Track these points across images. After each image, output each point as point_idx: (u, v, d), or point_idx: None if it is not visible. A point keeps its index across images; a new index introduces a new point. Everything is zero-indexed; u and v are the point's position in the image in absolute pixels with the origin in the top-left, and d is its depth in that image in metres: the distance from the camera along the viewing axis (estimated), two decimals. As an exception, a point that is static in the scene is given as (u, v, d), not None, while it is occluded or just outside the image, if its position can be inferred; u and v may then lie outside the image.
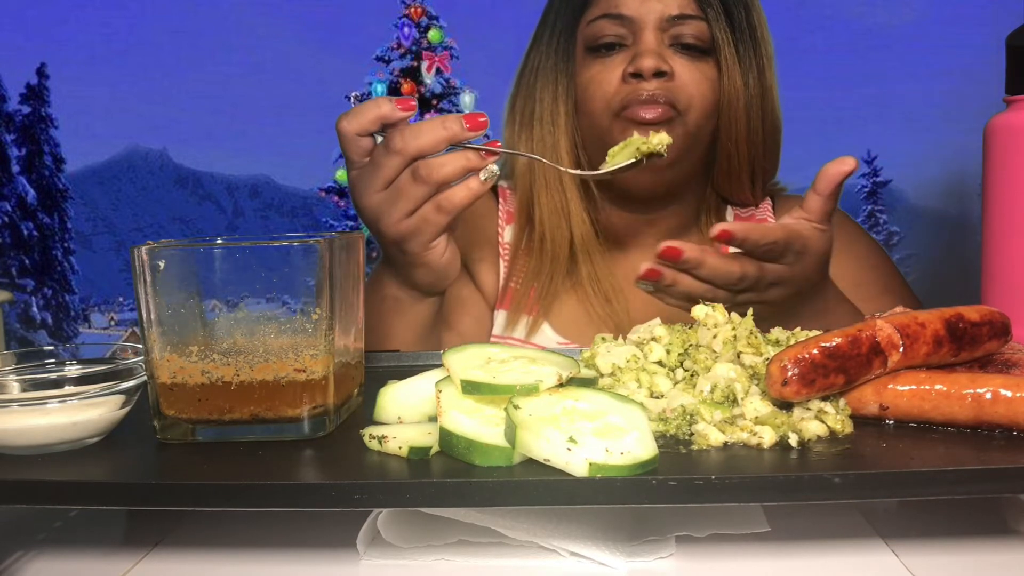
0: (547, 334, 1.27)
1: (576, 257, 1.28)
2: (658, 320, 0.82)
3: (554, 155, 1.26)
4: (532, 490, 0.59)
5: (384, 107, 0.93)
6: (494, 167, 0.94)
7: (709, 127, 1.23)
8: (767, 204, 1.37)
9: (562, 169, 1.12)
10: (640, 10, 1.19)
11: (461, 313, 1.28)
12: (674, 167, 1.22)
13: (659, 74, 1.16)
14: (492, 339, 1.29)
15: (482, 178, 0.94)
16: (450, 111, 7.10)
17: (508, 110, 1.33)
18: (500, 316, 1.31)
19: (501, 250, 1.35)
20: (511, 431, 0.61)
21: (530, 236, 1.32)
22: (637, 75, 1.17)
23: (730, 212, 1.36)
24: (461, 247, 1.13)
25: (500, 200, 1.38)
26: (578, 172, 1.11)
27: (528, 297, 1.28)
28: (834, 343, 0.67)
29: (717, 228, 0.89)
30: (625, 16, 1.20)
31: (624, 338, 0.84)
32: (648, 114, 1.16)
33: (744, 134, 1.23)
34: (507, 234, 1.36)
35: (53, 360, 0.81)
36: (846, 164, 0.92)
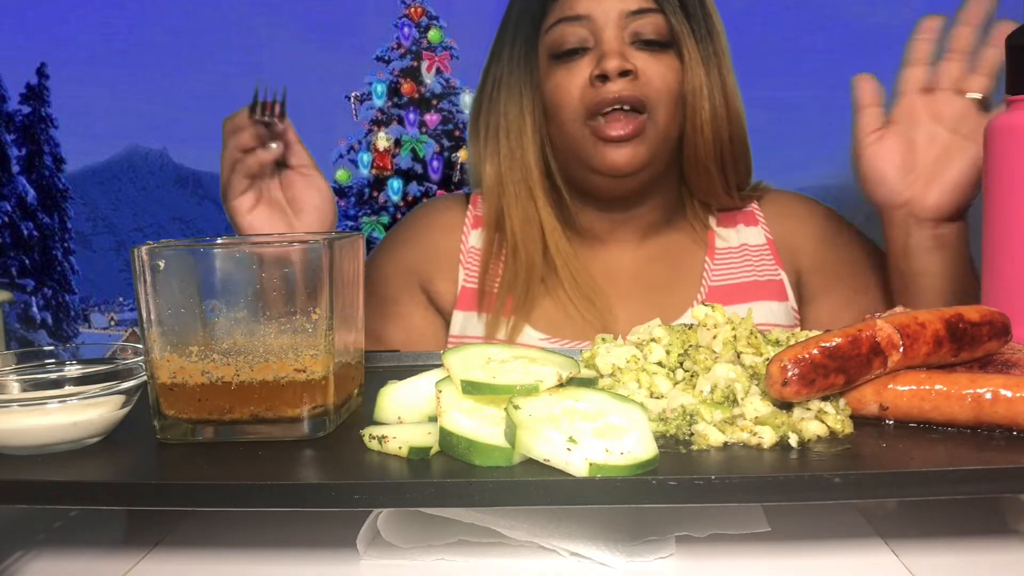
0: (529, 335, 1.27)
1: (552, 263, 1.28)
2: (658, 321, 0.82)
3: (523, 167, 1.26)
4: (532, 490, 0.59)
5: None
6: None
7: (677, 121, 1.23)
8: (754, 205, 1.36)
9: None
10: (597, 9, 1.19)
11: (395, 328, 1.31)
12: (647, 169, 1.22)
13: (624, 73, 1.16)
14: (470, 341, 1.29)
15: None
16: (450, 111, 7.11)
17: (472, 126, 1.33)
18: (480, 320, 1.30)
19: (462, 257, 1.34)
20: (511, 431, 0.61)
21: (500, 244, 1.31)
22: (603, 77, 1.17)
23: (713, 219, 1.35)
24: (416, 262, 1.31)
25: (470, 206, 1.38)
26: None
27: (506, 306, 1.28)
28: (834, 343, 0.67)
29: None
30: (583, 16, 1.19)
31: (624, 339, 0.84)
32: (616, 131, 1.17)
33: (709, 121, 1.23)
34: (472, 239, 1.35)
35: (53, 360, 0.81)
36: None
